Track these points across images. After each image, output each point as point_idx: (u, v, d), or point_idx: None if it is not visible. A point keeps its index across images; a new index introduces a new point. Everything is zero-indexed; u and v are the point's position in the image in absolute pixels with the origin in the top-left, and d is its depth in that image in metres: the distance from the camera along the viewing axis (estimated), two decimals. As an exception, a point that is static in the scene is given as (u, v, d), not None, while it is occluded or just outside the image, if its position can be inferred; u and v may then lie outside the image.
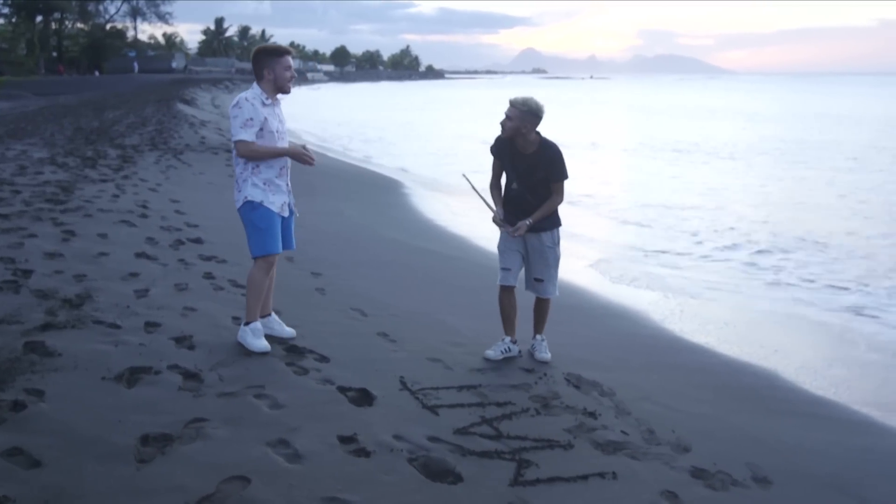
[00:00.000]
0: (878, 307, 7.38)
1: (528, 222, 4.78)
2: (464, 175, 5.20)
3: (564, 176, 4.84)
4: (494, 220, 4.95)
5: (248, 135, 4.41)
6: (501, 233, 5.00)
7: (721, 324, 6.50)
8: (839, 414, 4.66)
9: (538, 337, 5.09)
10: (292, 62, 4.57)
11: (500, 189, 5.03)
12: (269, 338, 4.64)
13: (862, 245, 10.59)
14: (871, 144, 25.71)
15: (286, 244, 4.76)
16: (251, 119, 4.41)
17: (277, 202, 4.57)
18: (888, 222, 12.28)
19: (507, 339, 5.02)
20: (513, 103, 4.70)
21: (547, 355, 4.98)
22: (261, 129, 4.44)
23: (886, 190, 15.63)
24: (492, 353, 4.92)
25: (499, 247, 5.06)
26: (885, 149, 24.20)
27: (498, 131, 4.87)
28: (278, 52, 4.52)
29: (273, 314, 4.89)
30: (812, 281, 8.44)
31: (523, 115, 4.69)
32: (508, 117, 4.72)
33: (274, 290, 4.91)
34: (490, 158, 4.98)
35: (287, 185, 4.66)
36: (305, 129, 29.04)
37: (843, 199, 14.57)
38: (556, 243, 4.95)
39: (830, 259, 9.52)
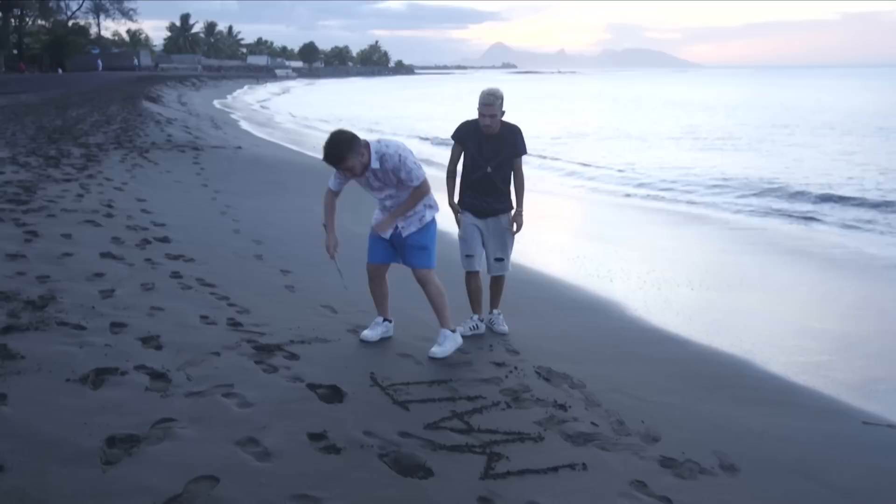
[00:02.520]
0: (848, 290, 7.53)
1: (521, 211, 5.30)
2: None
3: (525, 150, 5.25)
4: (456, 217, 5.32)
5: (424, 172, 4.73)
6: (463, 221, 5.35)
7: (691, 314, 6.56)
8: (805, 401, 4.73)
9: (495, 311, 5.47)
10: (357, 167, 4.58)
11: (456, 175, 5.35)
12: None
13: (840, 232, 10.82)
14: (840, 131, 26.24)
15: (392, 259, 5.04)
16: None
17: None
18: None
19: (476, 316, 5.40)
20: (491, 102, 5.04)
21: (505, 328, 5.39)
22: None
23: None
24: (461, 329, 5.19)
25: (460, 235, 5.38)
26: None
27: (460, 120, 5.36)
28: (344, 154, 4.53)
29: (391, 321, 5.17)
30: (781, 271, 8.59)
31: (501, 105, 5.09)
32: (493, 115, 5.05)
33: (248, 287, 4.86)
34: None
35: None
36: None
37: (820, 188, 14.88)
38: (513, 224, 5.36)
39: (804, 249, 9.68)
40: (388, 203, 4.81)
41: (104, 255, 6.37)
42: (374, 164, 4.56)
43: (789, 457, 3.83)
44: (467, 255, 5.38)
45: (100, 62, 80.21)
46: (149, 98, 32.88)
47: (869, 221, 11.68)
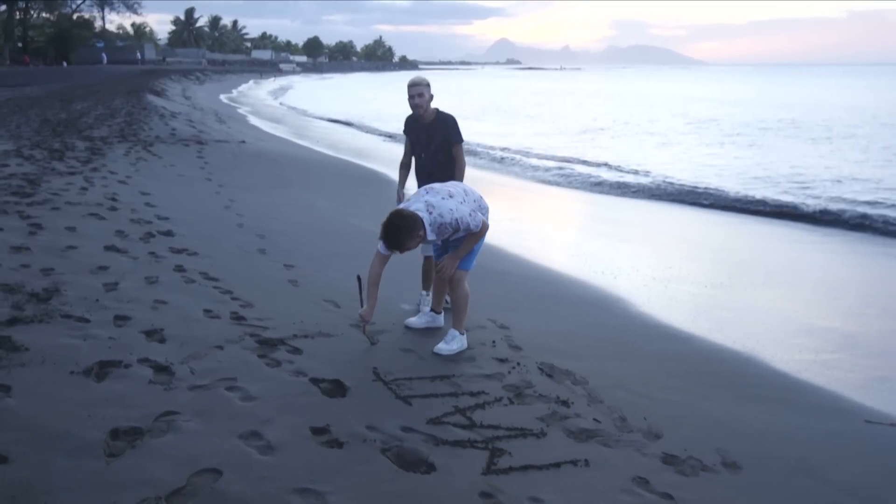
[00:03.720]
0: (852, 289, 7.52)
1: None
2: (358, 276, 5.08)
3: (460, 138, 5.49)
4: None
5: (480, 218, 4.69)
6: None
7: (695, 311, 6.56)
8: (808, 399, 4.73)
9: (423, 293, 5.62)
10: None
11: (409, 169, 5.71)
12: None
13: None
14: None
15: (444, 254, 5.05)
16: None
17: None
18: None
19: (424, 293, 5.63)
20: (418, 84, 5.36)
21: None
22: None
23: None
24: (414, 320, 5.31)
25: None
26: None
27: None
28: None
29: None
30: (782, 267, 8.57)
31: (428, 88, 5.39)
32: (421, 94, 5.34)
33: (252, 282, 4.87)
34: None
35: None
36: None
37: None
38: None
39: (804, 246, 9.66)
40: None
41: (108, 248, 6.38)
42: (431, 237, 4.52)
43: (792, 454, 3.83)
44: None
45: (104, 56, 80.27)
46: (153, 92, 32.88)
47: (875, 220, 11.63)
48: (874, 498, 3.51)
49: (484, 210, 4.88)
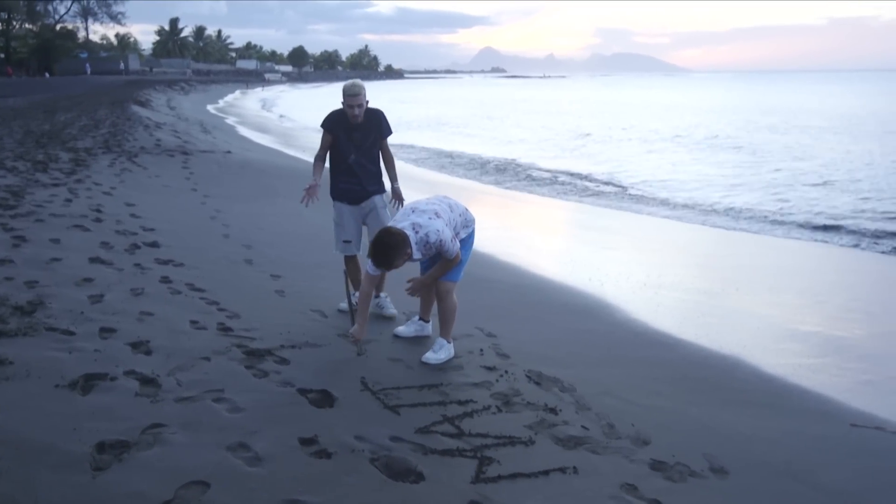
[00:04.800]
0: (837, 294, 7.58)
1: (397, 185, 5.56)
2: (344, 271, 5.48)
3: (390, 132, 5.58)
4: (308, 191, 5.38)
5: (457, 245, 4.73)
6: (336, 205, 5.60)
7: (682, 317, 6.59)
8: (794, 403, 4.76)
9: (382, 295, 5.64)
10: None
11: (325, 161, 5.58)
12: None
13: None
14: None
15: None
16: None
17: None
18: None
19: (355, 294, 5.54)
20: (357, 92, 5.29)
21: (393, 311, 5.60)
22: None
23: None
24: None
25: (336, 220, 5.61)
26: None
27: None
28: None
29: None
30: (763, 272, 8.63)
31: (365, 94, 5.36)
32: (360, 104, 5.31)
33: (239, 292, 4.85)
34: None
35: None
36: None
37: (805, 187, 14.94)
38: (386, 205, 5.61)
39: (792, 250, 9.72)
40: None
41: (93, 259, 6.34)
42: (417, 255, 4.54)
43: (778, 459, 3.85)
44: (345, 241, 5.58)
45: (88, 66, 79.90)
46: (137, 102, 32.73)
47: (857, 227, 11.75)
48: (860, 501, 3.53)
49: (469, 221, 4.90)
